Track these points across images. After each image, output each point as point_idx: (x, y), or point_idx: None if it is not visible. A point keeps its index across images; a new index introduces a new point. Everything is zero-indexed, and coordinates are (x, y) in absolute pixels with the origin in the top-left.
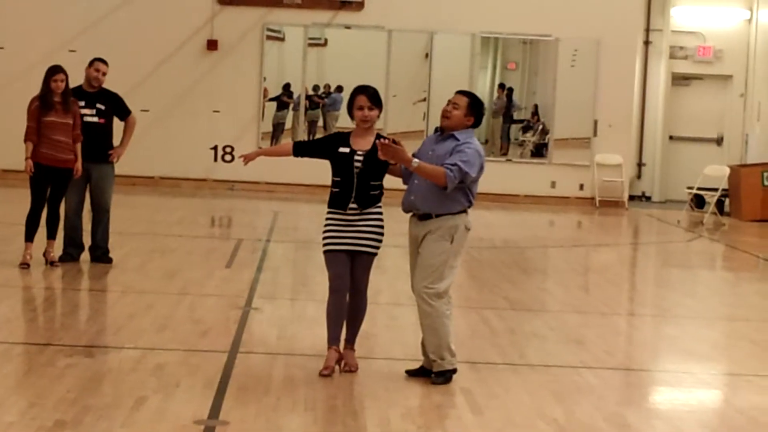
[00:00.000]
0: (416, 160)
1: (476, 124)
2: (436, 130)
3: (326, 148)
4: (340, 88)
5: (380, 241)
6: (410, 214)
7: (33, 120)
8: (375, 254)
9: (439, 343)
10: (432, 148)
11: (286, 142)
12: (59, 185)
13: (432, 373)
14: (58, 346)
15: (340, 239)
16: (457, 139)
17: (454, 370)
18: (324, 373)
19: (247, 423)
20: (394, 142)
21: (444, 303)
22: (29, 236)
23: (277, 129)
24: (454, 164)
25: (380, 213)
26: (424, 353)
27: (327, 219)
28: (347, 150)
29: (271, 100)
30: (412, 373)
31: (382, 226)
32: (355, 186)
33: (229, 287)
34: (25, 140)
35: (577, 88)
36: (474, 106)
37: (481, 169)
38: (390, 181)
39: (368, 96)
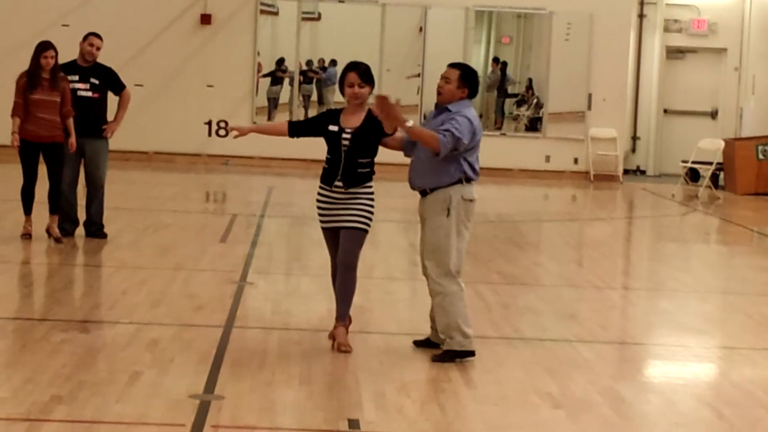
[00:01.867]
0: (411, 121)
1: (471, 95)
2: (437, 106)
3: (318, 126)
4: (334, 62)
5: (369, 218)
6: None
7: (20, 96)
8: (363, 230)
9: (447, 322)
10: (428, 122)
11: (281, 121)
12: (52, 161)
13: (438, 346)
14: (52, 322)
15: (327, 217)
16: (450, 111)
17: (465, 353)
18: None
19: (242, 397)
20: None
21: (454, 283)
22: (27, 209)
23: (272, 104)
24: (447, 130)
25: (369, 193)
26: (433, 326)
27: (317, 194)
28: (336, 128)
29: (265, 75)
30: (418, 344)
31: (371, 206)
32: (342, 164)
33: (223, 262)
34: (12, 115)
35: (572, 61)
36: (466, 77)
37: (473, 136)
38: (385, 157)
39: (359, 73)
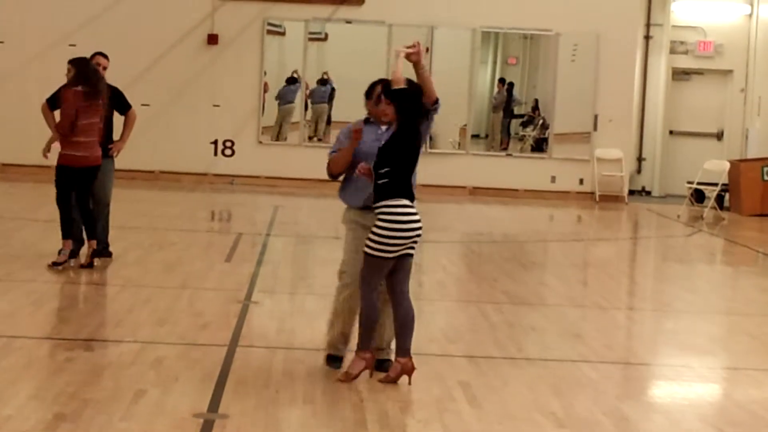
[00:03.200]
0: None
1: None
2: (367, 120)
3: None
4: (323, 81)
5: None
6: (354, 206)
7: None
8: None
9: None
10: (377, 137)
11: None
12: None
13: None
14: (57, 340)
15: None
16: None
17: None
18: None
19: (246, 416)
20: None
21: None
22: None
23: (285, 122)
24: None
25: None
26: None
27: (403, 213)
28: None
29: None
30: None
31: None
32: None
33: (228, 281)
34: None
35: (578, 82)
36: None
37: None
38: None
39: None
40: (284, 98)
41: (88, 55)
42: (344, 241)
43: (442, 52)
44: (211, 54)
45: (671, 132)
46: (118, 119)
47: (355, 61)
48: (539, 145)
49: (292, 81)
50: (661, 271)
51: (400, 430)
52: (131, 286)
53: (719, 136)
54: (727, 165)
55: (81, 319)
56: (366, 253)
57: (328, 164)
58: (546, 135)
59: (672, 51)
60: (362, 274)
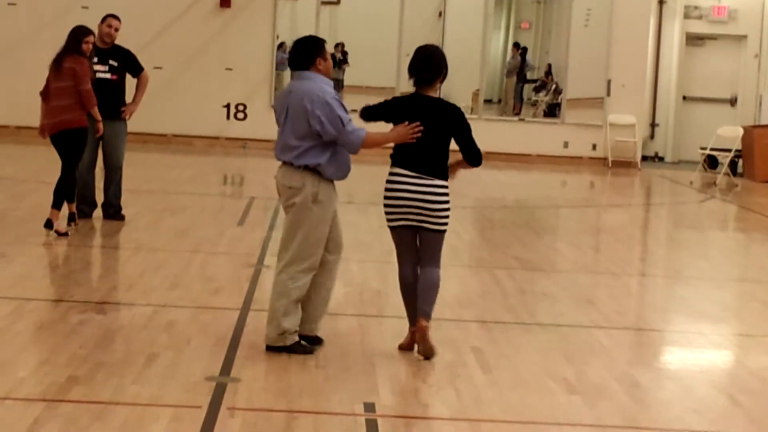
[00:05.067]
0: None
1: None
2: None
3: None
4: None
5: None
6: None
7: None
8: None
9: None
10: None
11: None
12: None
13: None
14: (70, 303)
15: None
16: None
17: None
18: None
19: (258, 380)
20: None
21: None
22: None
23: None
24: None
25: None
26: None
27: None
28: None
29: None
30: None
31: None
32: None
33: (240, 245)
34: (95, 103)
35: (591, 47)
36: None
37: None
38: None
39: None
40: (279, 65)
41: (100, 18)
42: (325, 217)
43: (455, 17)
44: (223, 17)
45: (684, 98)
46: (130, 82)
47: (368, 25)
48: (552, 111)
49: (280, 47)
50: (674, 237)
51: (411, 395)
52: (143, 250)
53: (733, 101)
54: (741, 131)
55: (93, 282)
56: None
57: (366, 140)
58: (559, 100)
59: (686, 16)
60: None
